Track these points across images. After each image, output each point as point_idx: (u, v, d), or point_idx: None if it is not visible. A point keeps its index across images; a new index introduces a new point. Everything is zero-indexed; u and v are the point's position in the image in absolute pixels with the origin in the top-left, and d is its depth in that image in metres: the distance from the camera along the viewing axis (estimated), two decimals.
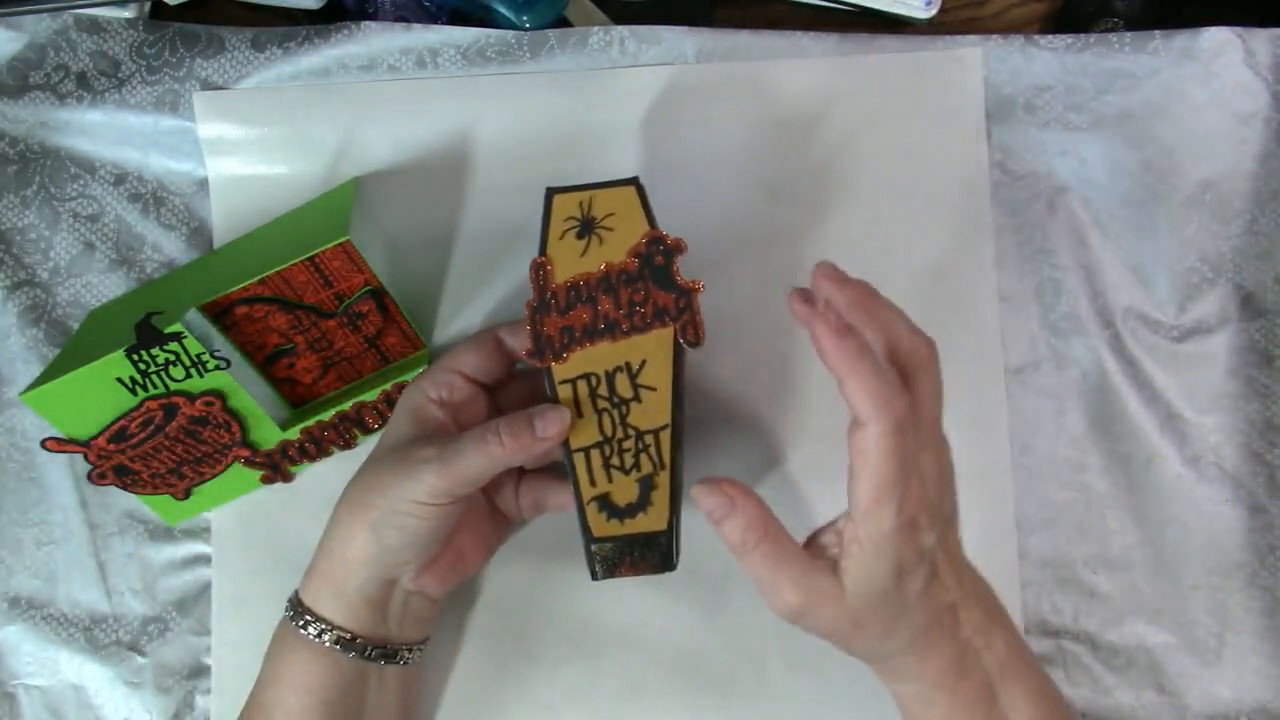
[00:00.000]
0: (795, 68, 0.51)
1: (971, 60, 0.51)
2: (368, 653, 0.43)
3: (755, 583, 0.39)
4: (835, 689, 0.50)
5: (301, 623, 0.43)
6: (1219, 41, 0.51)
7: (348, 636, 0.43)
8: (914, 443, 0.37)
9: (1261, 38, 0.51)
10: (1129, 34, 0.51)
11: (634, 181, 0.43)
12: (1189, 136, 0.51)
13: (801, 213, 0.52)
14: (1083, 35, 0.51)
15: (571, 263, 0.43)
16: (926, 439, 0.39)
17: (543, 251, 0.43)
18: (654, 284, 0.42)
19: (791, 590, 0.38)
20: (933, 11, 0.51)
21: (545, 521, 0.51)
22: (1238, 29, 0.51)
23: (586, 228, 0.43)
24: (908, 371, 0.39)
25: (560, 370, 0.43)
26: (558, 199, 0.43)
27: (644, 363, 0.43)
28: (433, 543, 0.43)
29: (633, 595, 0.51)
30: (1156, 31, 0.51)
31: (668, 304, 0.42)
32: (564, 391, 0.43)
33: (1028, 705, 0.39)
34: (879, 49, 0.51)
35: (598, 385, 0.43)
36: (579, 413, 0.43)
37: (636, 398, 0.43)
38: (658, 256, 0.42)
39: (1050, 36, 0.51)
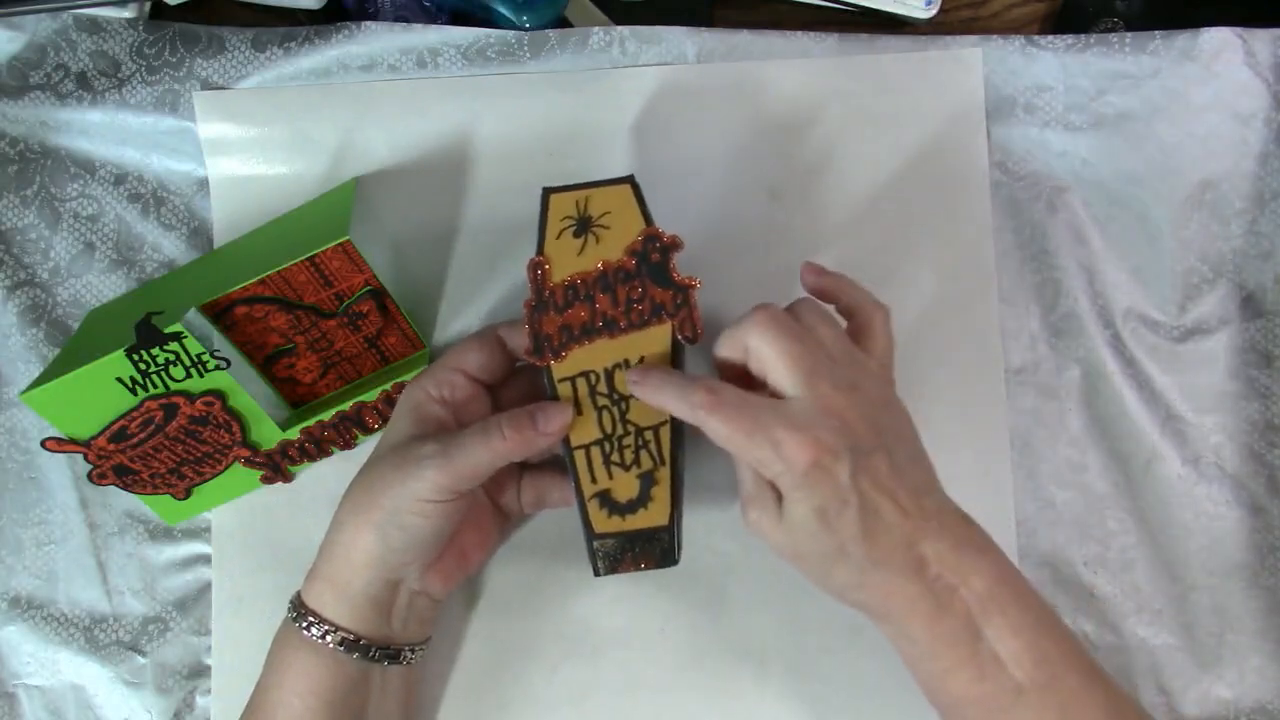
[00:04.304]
0: (796, 68, 0.51)
1: (971, 60, 0.51)
2: (371, 654, 0.43)
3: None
4: (835, 689, 0.50)
5: (305, 625, 0.43)
6: (1219, 41, 0.51)
7: (352, 638, 0.43)
8: (772, 415, 0.38)
9: (1261, 38, 0.51)
10: (1129, 34, 0.51)
11: (629, 180, 0.43)
12: (1189, 136, 0.51)
13: (801, 213, 0.52)
14: (1083, 35, 0.51)
15: (569, 261, 0.43)
16: (841, 377, 0.39)
17: (540, 251, 0.43)
18: (651, 281, 0.43)
19: (751, 504, 0.40)
20: (933, 11, 0.51)
21: (546, 521, 0.51)
22: (1238, 29, 0.51)
23: (583, 226, 0.43)
24: (861, 325, 0.43)
25: (559, 368, 0.43)
26: (554, 198, 0.43)
27: (642, 359, 0.43)
28: (436, 542, 0.43)
29: (633, 595, 0.50)
30: (1156, 32, 0.51)
31: (665, 301, 0.42)
32: (563, 389, 0.43)
33: (1014, 639, 0.37)
34: (879, 49, 0.51)
35: (597, 383, 0.43)
36: (579, 410, 0.43)
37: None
38: (654, 254, 0.42)
39: (1050, 36, 0.51)
